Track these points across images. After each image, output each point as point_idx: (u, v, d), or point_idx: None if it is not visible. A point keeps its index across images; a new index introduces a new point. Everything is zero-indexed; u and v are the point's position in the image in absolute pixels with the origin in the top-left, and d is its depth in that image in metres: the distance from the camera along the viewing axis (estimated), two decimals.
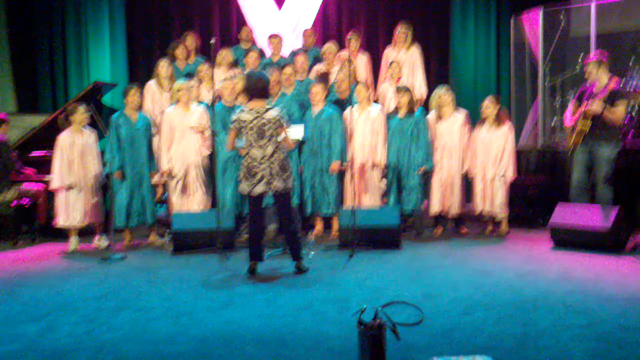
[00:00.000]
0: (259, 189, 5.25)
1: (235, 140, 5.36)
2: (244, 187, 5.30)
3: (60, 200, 6.57)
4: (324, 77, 7.87)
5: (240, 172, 5.39)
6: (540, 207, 7.40)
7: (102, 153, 6.82)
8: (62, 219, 6.58)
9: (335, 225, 6.84)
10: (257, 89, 5.28)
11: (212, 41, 6.52)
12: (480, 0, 9.32)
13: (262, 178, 5.23)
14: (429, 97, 7.33)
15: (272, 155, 5.24)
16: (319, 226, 7.10)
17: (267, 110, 5.26)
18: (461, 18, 9.34)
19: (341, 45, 8.43)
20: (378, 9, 9.58)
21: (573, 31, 8.44)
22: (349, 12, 9.65)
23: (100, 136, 7.05)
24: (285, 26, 9.18)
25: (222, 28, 9.48)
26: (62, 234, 6.79)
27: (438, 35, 9.53)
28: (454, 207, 6.87)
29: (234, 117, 5.34)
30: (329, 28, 9.60)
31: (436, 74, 9.43)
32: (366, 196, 6.91)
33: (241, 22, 9.23)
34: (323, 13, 9.53)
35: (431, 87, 7.57)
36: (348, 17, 9.63)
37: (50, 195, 7.18)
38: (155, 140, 6.87)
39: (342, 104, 7.13)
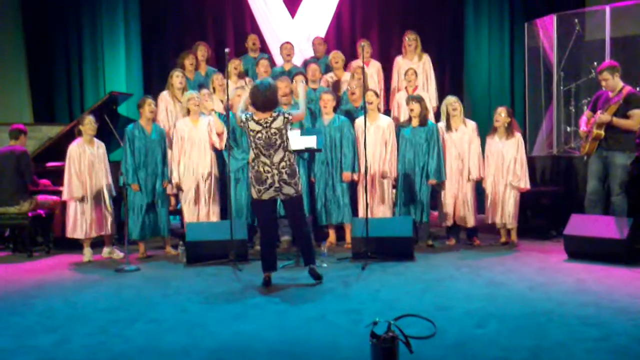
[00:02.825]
0: (269, 194, 5.26)
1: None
2: (254, 192, 5.32)
3: (71, 211, 6.63)
4: (334, 86, 7.90)
5: (250, 177, 5.38)
6: (554, 218, 7.34)
7: (118, 163, 6.87)
8: (71, 230, 6.64)
9: (348, 235, 6.84)
10: (263, 100, 5.23)
11: (227, 51, 6.44)
12: (493, 7, 9.28)
13: (271, 185, 5.23)
14: (439, 107, 7.32)
15: (280, 162, 5.24)
16: (331, 237, 7.10)
17: (273, 120, 5.24)
18: (474, 25, 9.32)
19: (354, 54, 8.45)
20: (391, 18, 9.58)
21: (587, 36, 8.38)
22: (362, 20, 9.66)
23: (116, 146, 7.09)
24: (299, 34, 9.21)
25: (236, 38, 9.52)
26: (77, 246, 6.83)
27: (451, 42, 9.52)
28: (468, 218, 6.84)
29: (242, 117, 5.33)
30: (342, 36, 9.62)
31: (450, 82, 9.42)
32: (378, 206, 6.89)
33: (255, 31, 9.25)
34: (336, 21, 9.55)
35: (445, 96, 7.56)
36: (362, 25, 9.64)
37: (65, 207, 7.23)
38: (169, 151, 6.89)
39: (352, 114, 7.14)
